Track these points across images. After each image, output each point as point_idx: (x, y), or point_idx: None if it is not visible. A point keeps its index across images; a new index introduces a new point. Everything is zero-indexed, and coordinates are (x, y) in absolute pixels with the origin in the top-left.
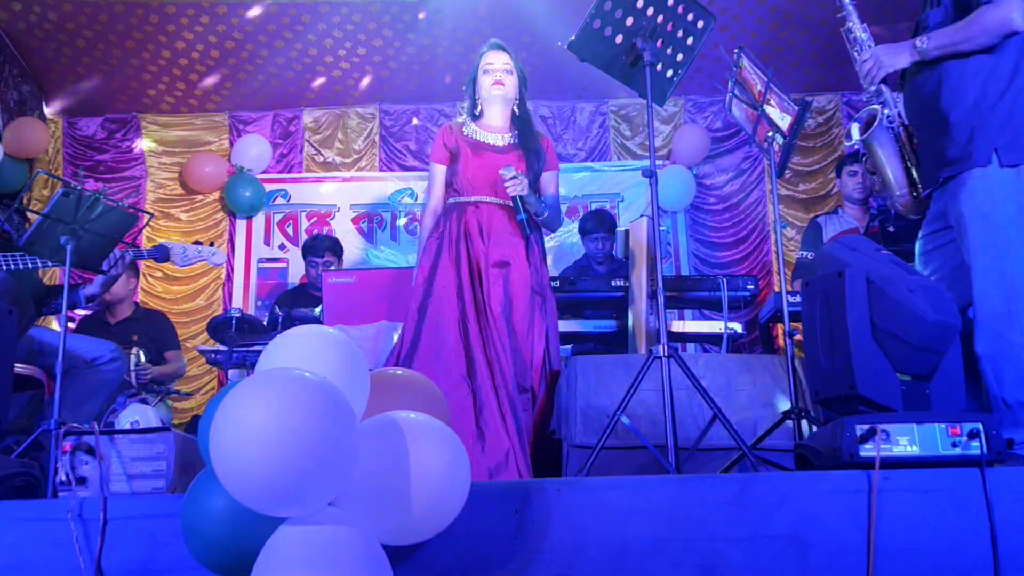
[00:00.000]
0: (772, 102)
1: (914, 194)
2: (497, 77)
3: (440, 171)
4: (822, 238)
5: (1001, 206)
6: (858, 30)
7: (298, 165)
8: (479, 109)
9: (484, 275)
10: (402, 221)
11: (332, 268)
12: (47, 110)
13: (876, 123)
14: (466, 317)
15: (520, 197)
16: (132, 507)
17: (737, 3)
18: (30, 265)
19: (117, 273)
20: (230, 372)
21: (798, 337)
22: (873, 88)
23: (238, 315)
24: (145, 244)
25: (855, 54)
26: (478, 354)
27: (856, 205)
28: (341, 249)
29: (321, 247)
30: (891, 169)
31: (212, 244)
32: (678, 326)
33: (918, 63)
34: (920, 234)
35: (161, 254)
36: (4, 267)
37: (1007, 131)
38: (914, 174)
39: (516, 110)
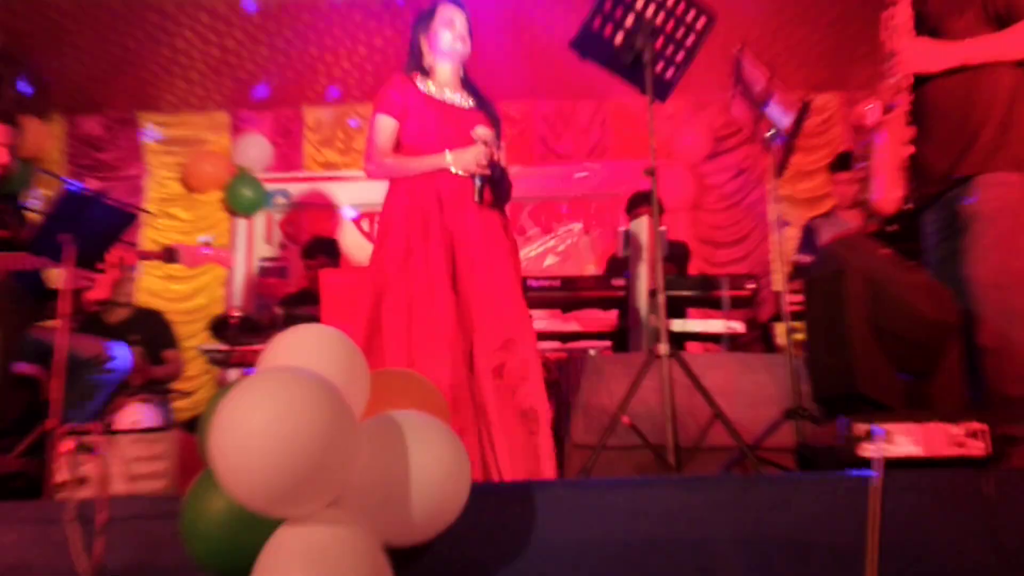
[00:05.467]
0: (773, 101)
1: (895, 194)
2: (460, 34)
3: (391, 125)
4: (817, 241)
5: (1019, 211)
6: (901, 15)
7: (298, 165)
8: (427, 63)
9: (462, 245)
10: None
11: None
12: (47, 109)
13: (895, 112)
14: (436, 291)
15: (481, 176)
16: (132, 507)
17: (738, 2)
18: (35, 267)
19: (122, 276)
20: (230, 372)
21: (799, 337)
22: (897, 78)
23: (238, 315)
24: (147, 244)
25: (889, 39)
26: (447, 331)
27: (849, 209)
28: (336, 250)
29: (313, 250)
30: (887, 163)
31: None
32: (678, 325)
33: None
34: (930, 243)
35: (170, 256)
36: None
37: None
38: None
39: (462, 71)
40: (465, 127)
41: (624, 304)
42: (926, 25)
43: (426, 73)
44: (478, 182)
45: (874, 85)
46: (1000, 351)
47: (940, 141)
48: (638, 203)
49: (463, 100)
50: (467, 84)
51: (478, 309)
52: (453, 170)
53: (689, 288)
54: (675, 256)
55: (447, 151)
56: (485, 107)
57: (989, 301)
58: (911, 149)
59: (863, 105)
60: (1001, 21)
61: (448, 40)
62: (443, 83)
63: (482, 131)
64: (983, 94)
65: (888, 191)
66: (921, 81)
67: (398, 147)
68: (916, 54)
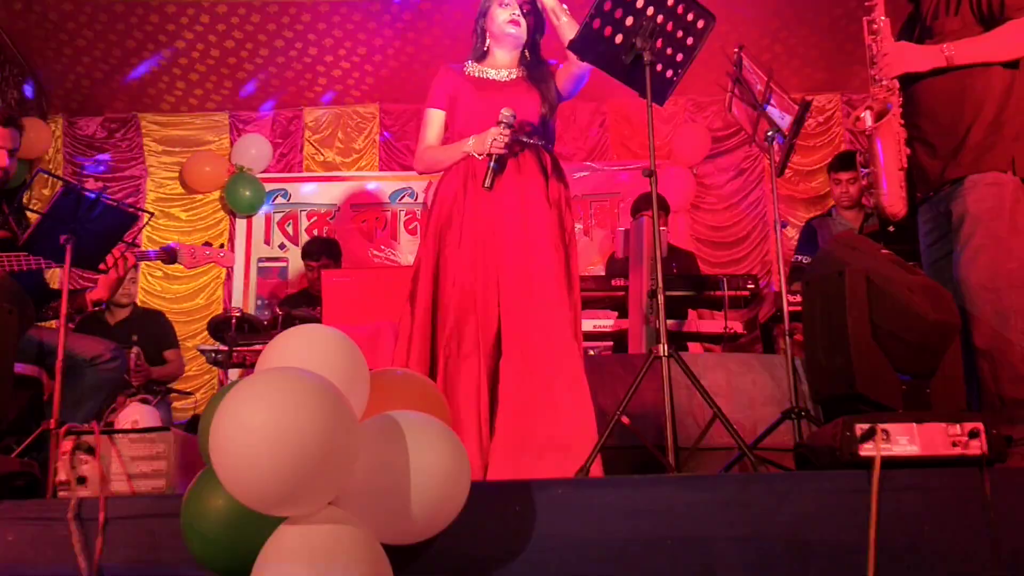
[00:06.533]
0: (772, 102)
1: (902, 195)
2: (515, 15)
3: (438, 117)
4: (817, 242)
5: (1010, 211)
6: (880, 20)
7: (298, 165)
8: (487, 46)
9: (500, 235)
10: (402, 221)
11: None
12: (47, 110)
13: (888, 116)
14: (465, 285)
15: (497, 160)
16: (132, 507)
17: (738, 3)
18: (33, 267)
19: (122, 275)
20: (230, 372)
21: (798, 337)
22: (885, 82)
23: (238, 315)
24: (145, 244)
25: (873, 43)
26: (470, 326)
27: (848, 208)
28: (338, 251)
29: (316, 251)
30: (889, 166)
31: (223, 246)
32: (678, 325)
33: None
34: (924, 244)
35: (169, 256)
36: (8, 267)
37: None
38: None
39: (527, 55)
40: (500, 100)
41: (624, 304)
42: (920, 25)
43: (482, 59)
44: (492, 165)
45: (870, 88)
46: (994, 352)
47: (932, 142)
48: (643, 205)
49: (507, 75)
50: (526, 63)
51: (507, 298)
52: (474, 155)
53: (689, 288)
54: (686, 268)
55: (471, 136)
56: (534, 75)
57: (982, 302)
58: (908, 151)
59: (859, 111)
60: (989, 22)
61: (502, 20)
62: (493, 63)
63: (506, 112)
64: (974, 94)
65: (896, 194)
66: (912, 83)
67: (451, 135)
68: (900, 56)
